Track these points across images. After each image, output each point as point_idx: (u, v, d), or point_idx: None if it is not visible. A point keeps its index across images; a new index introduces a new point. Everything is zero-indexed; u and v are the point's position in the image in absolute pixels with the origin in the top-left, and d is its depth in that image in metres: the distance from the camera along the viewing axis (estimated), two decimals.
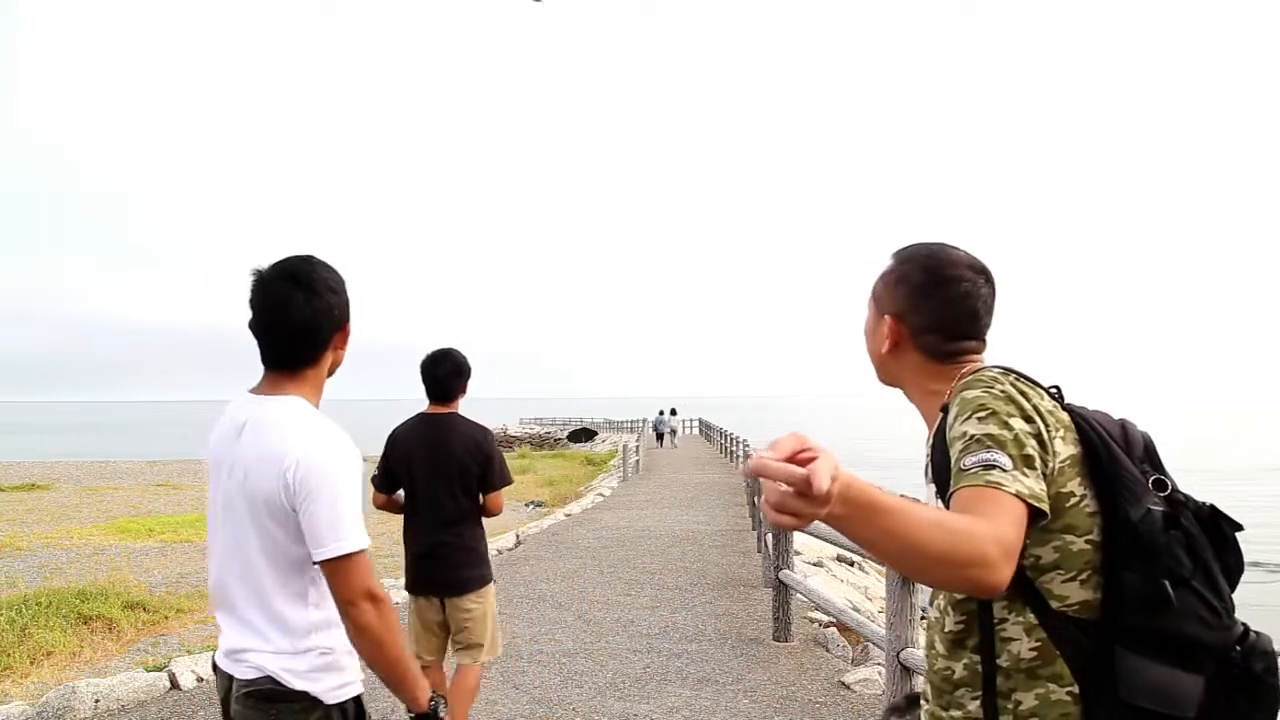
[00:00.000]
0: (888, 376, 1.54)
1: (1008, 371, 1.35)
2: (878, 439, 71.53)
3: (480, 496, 3.81)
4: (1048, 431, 1.25)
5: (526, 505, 19.45)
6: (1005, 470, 1.17)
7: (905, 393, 1.53)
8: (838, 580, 10.41)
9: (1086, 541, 1.25)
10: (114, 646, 7.69)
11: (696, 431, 48.25)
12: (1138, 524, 1.21)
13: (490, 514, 3.85)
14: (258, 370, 1.95)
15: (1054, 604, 1.25)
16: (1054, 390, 1.36)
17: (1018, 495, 1.14)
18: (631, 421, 54.52)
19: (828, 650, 6.15)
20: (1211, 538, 1.25)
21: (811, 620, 6.98)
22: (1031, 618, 1.25)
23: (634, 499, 16.77)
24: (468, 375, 3.84)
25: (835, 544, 5.91)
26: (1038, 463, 1.20)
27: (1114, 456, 1.26)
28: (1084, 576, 1.24)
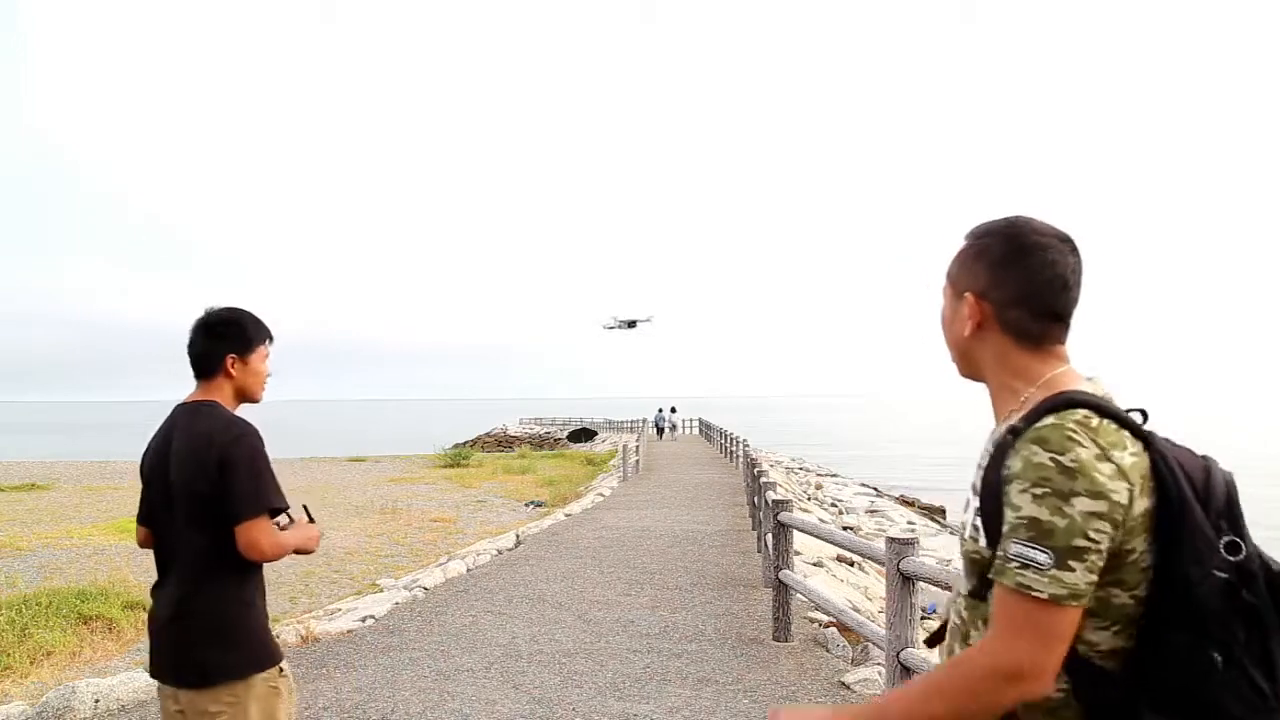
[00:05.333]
0: (969, 366, 1.43)
1: (1092, 414, 1.21)
2: (879, 439, 71.47)
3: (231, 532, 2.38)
4: (1129, 493, 1.16)
5: (526, 505, 19.45)
6: (1042, 571, 1.14)
7: (986, 383, 1.42)
8: (838, 580, 10.41)
9: (1131, 596, 1.19)
10: (114, 646, 7.69)
11: (696, 431, 48.28)
12: (1196, 586, 1.14)
13: (251, 558, 2.39)
14: None
15: (1080, 648, 1.19)
16: (1138, 417, 1.26)
17: (1051, 599, 1.14)
18: (632, 421, 54.53)
19: (828, 650, 6.15)
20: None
21: (811, 620, 6.98)
22: None
23: (634, 499, 16.76)
24: (231, 341, 2.52)
25: (835, 544, 5.91)
26: (1091, 553, 1.14)
27: (1188, 512, 1.17)
28: (1118, 628, 1.20)
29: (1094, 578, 1.15)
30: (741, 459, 19.45)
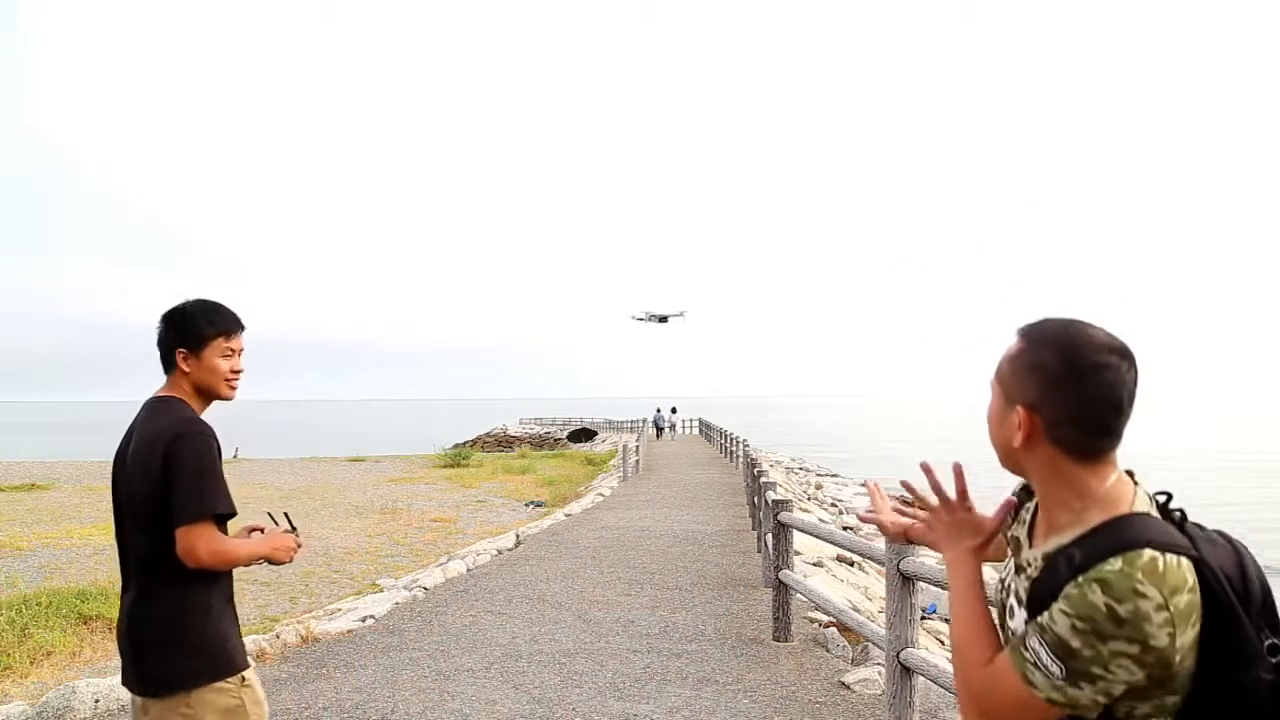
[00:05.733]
0: (1014, 467, 1.41)
1: (1159, 556, 1.21)
2: (879, 439, 71.45)
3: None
4: (1170, 636, 1.19)
5: (526, 505, 19.45)
6: (1051, 678, 1.23)
7: (1033, 485, 1.42)
8: (838, 580, 10.41)
9: (1181, 698, 1.23)
10: (114, 646, 7.69)
11: (696, 431, 48.33)
12: (1247, 693, 1.20)
13: (189, 565, 2.26)
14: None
15: None
16: (1176, 511, 1.31)
17: (1048, 701, 1.23)
18: (631, 421, 54.55)
19: (828, 650, 6.15)
20: None
21: (811, 620, 6.98)
22: None
23: (634, 499, 16.76)
24: (180, 334, 2.42)
25: (835, 544, 5.91)
26: (1107, 681, 1.20)
27: (1236, 624, 1.21)
28: (1164, 717, 1.26)
29: (1103, 699, 1.22)
30: (741, 459, 19.46)
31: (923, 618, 4.63)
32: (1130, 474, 1.36)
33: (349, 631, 6.70)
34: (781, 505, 6.91)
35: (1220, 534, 1.33)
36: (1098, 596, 1.19)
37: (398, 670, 5.67)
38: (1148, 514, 1.29)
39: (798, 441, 59.66)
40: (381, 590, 8.95)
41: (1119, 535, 1.25)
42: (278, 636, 6.32)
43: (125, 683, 2.41)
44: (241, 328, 2.50)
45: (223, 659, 2.34)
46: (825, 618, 6.82)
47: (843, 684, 5.30)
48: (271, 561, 2.49)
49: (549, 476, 25.69)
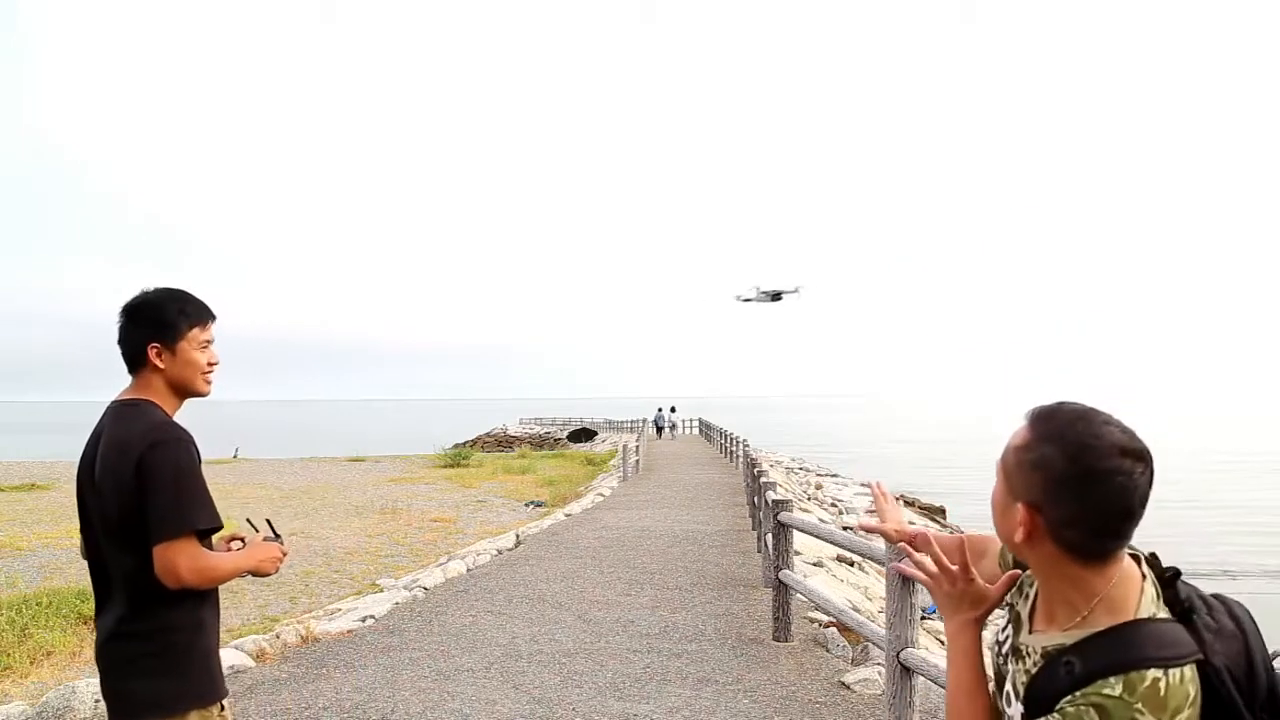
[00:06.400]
0: (1016, 555, 1.37)
1: (1163, 676, 1.18)
2: (879, 439, 71.44)
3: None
4: None
5: (526, 505, 19.45)
6: None
7: (1035, 578, 1.37)
8: (838, 580, 10.41)
9: None
10: None
11: (696, 431, 48.37)
12: None
13: (168, 585, 2.07)
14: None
15: None
16: (1183, 607, 1.26)
17: None
18: (631, 421, 54.56)
19: (828, 650, 6.15)
20: None
21: (811, 620, 6.98)
22: None
23: (634, 499, 16.76)
24: (151, 327, 2.19)
25: (835, 544, 5.91)
26: None
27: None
28: None
29: None
30: (741, 459, 19.45)
31: (923, 617, 4.63)
32: (1138, 559, 1.30)
33: (349, 631, 6.70)
34: (781, 505, 6.91)
35: (1223, 604, 1.28)
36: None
37: (398, 670, 5.67)
38: (1153, 619, 1.23)
39: (798, 441, 59.64)
40: (381, 590, 8.95)
41: (1120, 650, 1.20)
42: (278, 636, 6.32)
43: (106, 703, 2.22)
44: (213, 317, 2.29)
45: (204, 684, 2.17)
46: (825, 618, 6.83)
47: (843, 684, 5.30)
48: (255, 574, 2.28)
49: (549, 476, 25.69)
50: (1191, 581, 1.33)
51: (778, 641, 6.30)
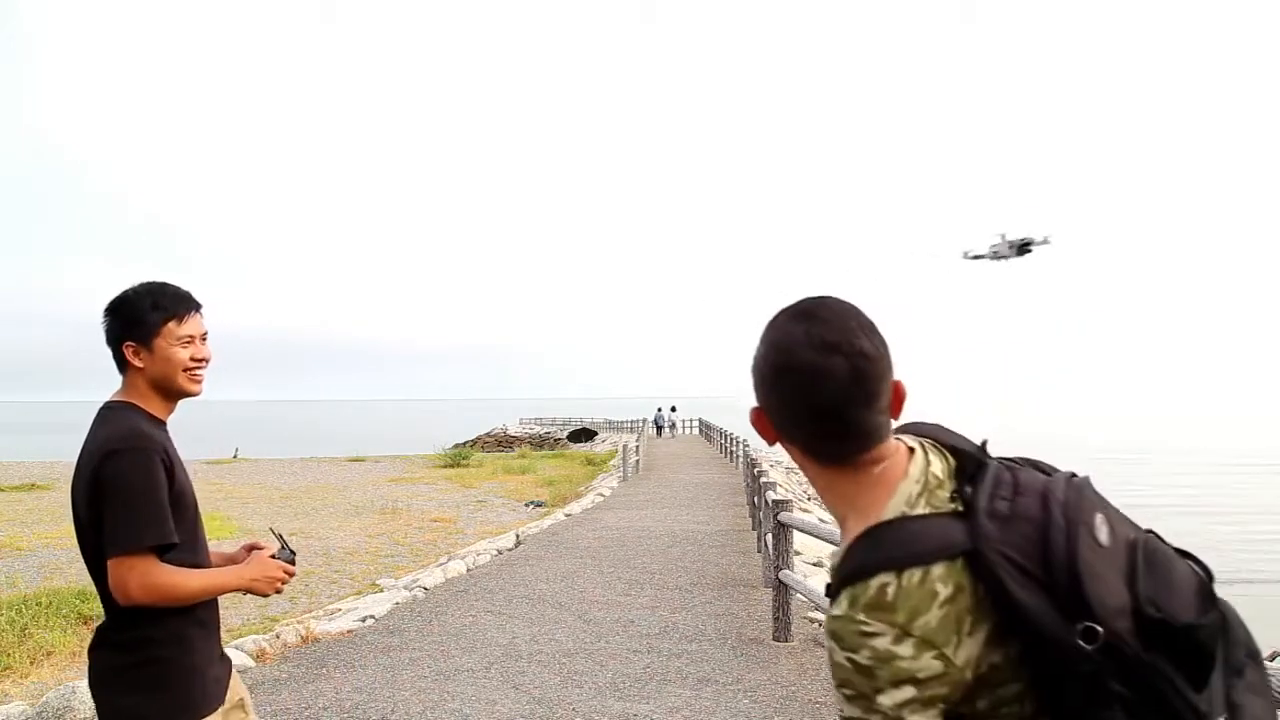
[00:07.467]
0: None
1: (891, 578, 1.04)
2: None
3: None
4: (939, 659, 1.03)
5: (526, 505, 19.45)
6: None
7: None
8: None
9: (1020, 681, 1.07)
10: None
11: (696, 431, 48.40)
12: (1061, 686, 1.04)
13: (119, 602, 1.96)
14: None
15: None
16: (961, 491, 1.11)
17: None
18: (631, 421, 54.56)
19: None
20: (1166, 650, 1.03)
21: (811, 620, 6.98)
22: None
23: (634, 499, 16.76)
24: (124, 324, 2.08)
25: (835, 544, 5.91)
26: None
27: (1027, 622, 1.03)
28: (1029, 700, 1.08)
29: None
30: (741, 459, 19.46)
31: None
32: (932, 452, 1.15)
33: (349, 631, 6.70)
34: (781, 505, 6.91)
35: (1040, 487, 1.10)
36: (839, 654, 1.05)
37: (398, 670, 5.67)
38: (901, 519, 1.09)
39: None
40: (381, 590, 8.95)
41: (849, 561, 1.09)
42: (278, 636, 6.32)
43: None
44: (194, 307, 2.12)
45: (185, 698, 2.02)
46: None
47: None
48: (252, 593, 2.14)
49: (549, 476, 25.69)
50: (1034, 458, 1.19)
51: (778, 641, 6.30)
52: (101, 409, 2.09)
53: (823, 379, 1.08)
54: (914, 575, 1.04)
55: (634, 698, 5.11)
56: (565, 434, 58.69)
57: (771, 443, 1.21)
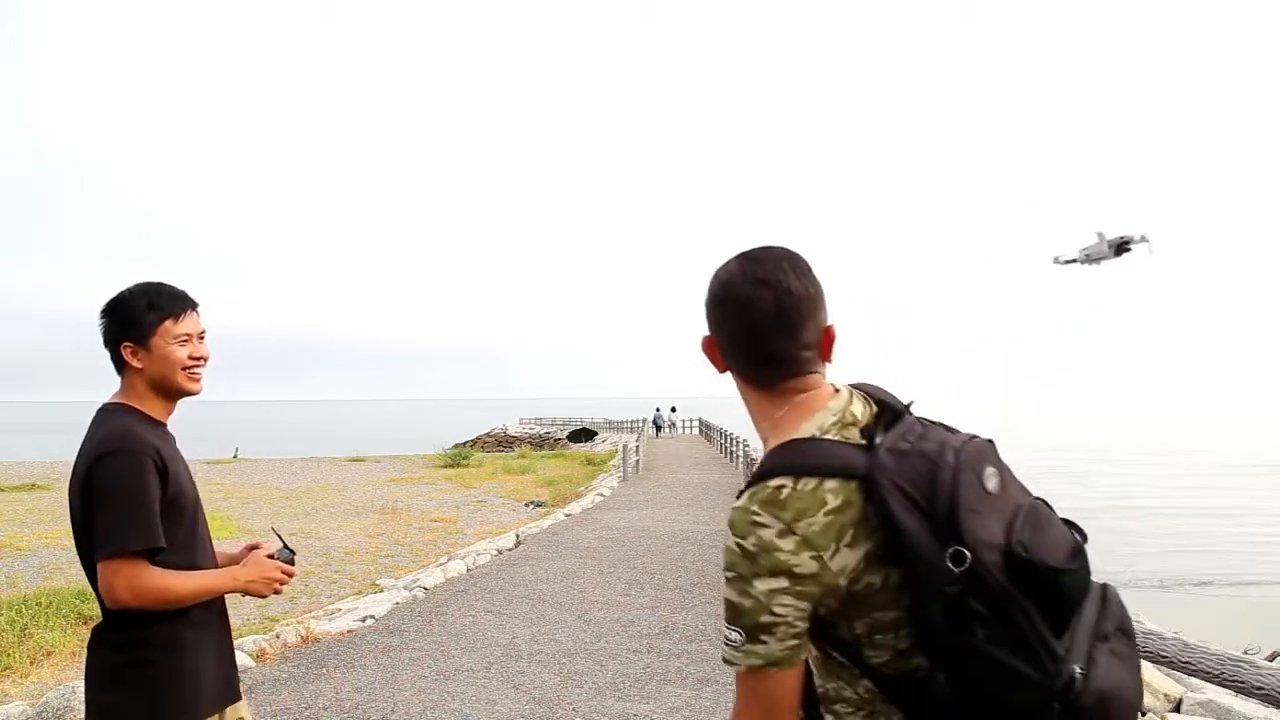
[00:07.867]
0: None
1: (786, 481, 1.18)
2: None
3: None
4: (817, 560, 1.16)
5: (526, 505, 19.46)
6: (737, 647, 1.18)
7: None
8: None
9: (898, 608, 1.20)
10: None
11: (696, 431, 48.42)
12: (926, 606, 1.15)
13: (108, 605, 1.98)
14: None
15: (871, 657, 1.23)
16: (869, 429, 1.23)
17: (749, 669, 1.17)
18: (631, 421, 54.57)
19: None
20: (1029, 587, 1.12)
21: None
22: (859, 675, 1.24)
23: (634, 499, 16.77)
24: (120, 325, 2.09)
25: None
26: (780, 625, 1.16)
27: (905, 538, 1.15)
28: (904, 632, 1.21)
29: (794, 642, 1.17)
30: (742, 459, 19.46)
31: None
32: (857, 394, 1.30)
33: (349, 631, 6.70)
34: None
35: (945, 441, 1.21)
36: (730, 539, 1.19)
37: (398, 670, 5.67)
38: (811, 439, 1.23)
39: None
40: (381, 590, 8.95)
41: (762, 465, 1.23)
42: (278, 636, 6.32)
43: None
44: (190, 306, 2.12)
45: (172, 702, 1.99)
46: None
47: None
48: (250, 594, 2.12)
49: (549, 476, 25.70)
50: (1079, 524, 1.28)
51: None
52: (98, 411, 2.09)
53: (751, 309, 1.27)
54: (809, 483, 1.18)
55: (634, 698, 5.11)
56: (565, 434, 58.70)
57: (721, 370, 1.38)
